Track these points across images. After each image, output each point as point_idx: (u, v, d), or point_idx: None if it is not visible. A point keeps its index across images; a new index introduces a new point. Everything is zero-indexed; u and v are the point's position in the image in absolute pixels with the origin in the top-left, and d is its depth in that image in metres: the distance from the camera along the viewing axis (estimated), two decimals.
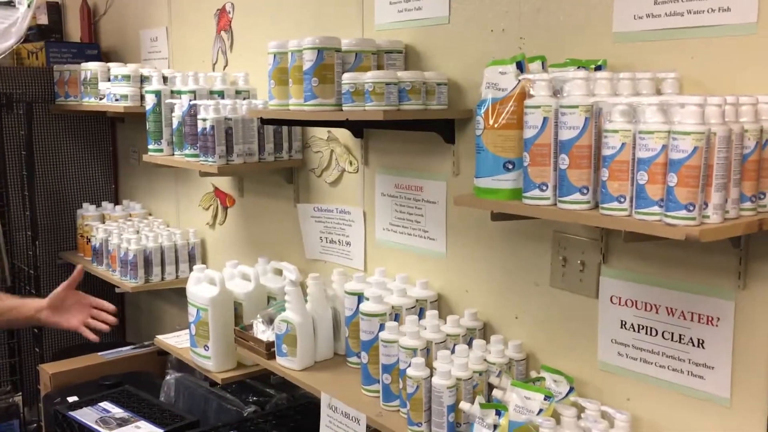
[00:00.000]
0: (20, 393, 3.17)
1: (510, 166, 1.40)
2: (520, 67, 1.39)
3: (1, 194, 3.16)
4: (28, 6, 2.89)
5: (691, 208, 1.11)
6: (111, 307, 2.11)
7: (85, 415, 2.34)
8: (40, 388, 2.91)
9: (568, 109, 1.26)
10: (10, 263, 3.13)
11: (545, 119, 1.29)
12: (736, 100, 1.17)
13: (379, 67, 1.90)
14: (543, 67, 1.46)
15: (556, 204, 1.31)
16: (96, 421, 2.29)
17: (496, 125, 1.39)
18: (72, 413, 2.35)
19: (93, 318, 2.09)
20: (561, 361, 1.69)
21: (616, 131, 1.19)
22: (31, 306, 1.95)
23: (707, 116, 1.11)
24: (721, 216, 1.15)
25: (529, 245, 1.74)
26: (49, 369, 2.82)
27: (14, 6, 2.87)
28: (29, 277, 3.23)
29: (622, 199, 1.20)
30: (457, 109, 1.84)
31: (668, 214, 1.13)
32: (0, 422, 3.03)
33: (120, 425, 2.27)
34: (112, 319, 2.10)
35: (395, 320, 1.85)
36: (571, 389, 1.62)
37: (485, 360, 1.71)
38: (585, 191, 1.26)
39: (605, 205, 1.22)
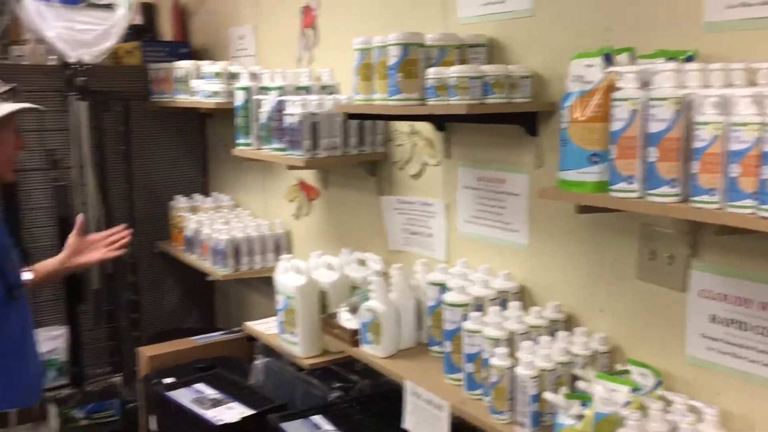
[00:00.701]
0: (120, 374, 3.37)
1: (596, 159, 1.40)
2: (608, 59, 1.39)
3: (104, 187, 3.35)
4: (128, 8, 3.05)
5: None
6: (120, 229, 2.20)
7: (182, 396, 2.48)
8: (138, 369, 3.09)
9: (658, 101, 1.26)
10: None
11: (633, 112, 1.29)
12: None
13: (463, 62, 1.92)
14: (631, 59, 1.45)
15: (643, 197, 1.31)
16: (191, 401, 2.43)
17: (581, 118, 1.40)
18: (169, 393, 2.50)
19: (111, 244, 2.18)
20: (647, 355, 1.68)
21: (707, 123, 1.18)
22: (52, 262, 2.11)
23: None
24: None
25: (615, 238, 1.73)
26: (147, 352, 2.99)
27: (113, 8, 3.04)
28: (128, 265, 3.42)
29: (713, 192, 1.19)
30: (540, 101, 1.85)
31: (762, 207, 1.12)
32: (102, 400, 3.24)
33: (214, 406, 2.40)
34: (125, 233, 2.18)
35: (478, 311, 1.88)
36: (658, 383, 1.61)
37: (569, 352, 1.72)
38: (674, 184, 1.25)
39: (696, 198, 1.21)
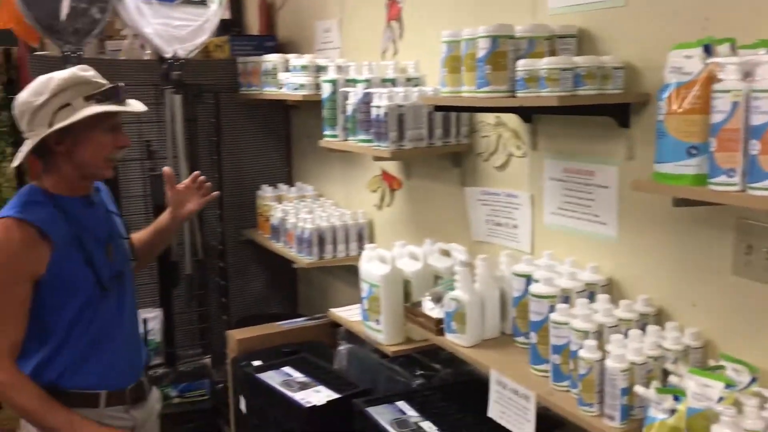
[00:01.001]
0: (209, 355, 3.52)
1: (694, 152, 1.38)
2: (708, 50, 1.36)
3: None
4: (220, 4, 3.17)
5: None
6: (196, 175, 2.24)
7: (270, 378, 2.57)
8: (227, 351, 3.22)
9: (761, 93, 1.23)
10: (202, 239, 3.46)
11: (735, 104, 1.27)
12: None
13: (552, 53, 1.92)
14: (732, 50, 1.42)
15: (744, 190, 1.28)
16: (280, 383, 2.52)
17: (679, 110, 1.38)
18: (259, 375, 2.60)
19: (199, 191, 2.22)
20: (742, 351, 1.64)
21: None
22: (163, 219, 2.20)
23: None
24: None
25: (709, 232, 1.70)
26: (236, 335, 3.11)
27: (206, 4, 3.16)
28: (217, 252, 3.57)
29: None
30: (633, 93, 1.82)
31: None
32: (193, 380, 3.39)
33: (302, 388, 2.48)
34: (202, 178, 2.22)
35: (565, 303, 1.88)
36: (753, 379, 1.58)
37: (660, 346, 1.70)
38: None
39: None
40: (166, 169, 2.20)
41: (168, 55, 3.12)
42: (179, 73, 3.17)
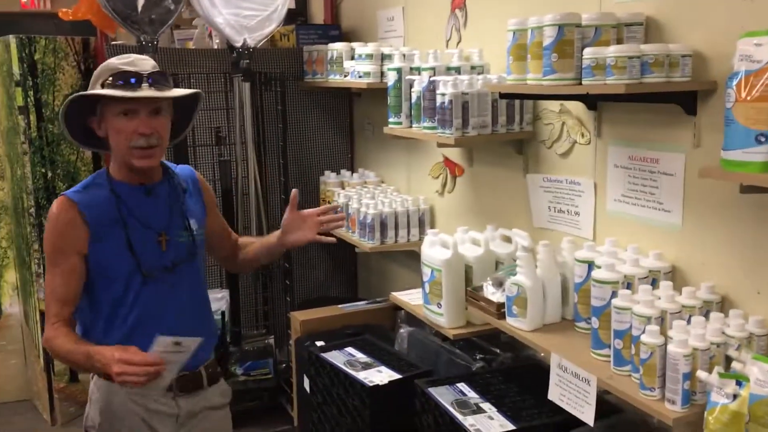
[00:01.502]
0: (273, 336, 3.65)
1: (762, 139, 1.39)
2: None
3: (261, 162, 3.62)
4: None
5: None
6: (333, 207, 2.14)
7: (334, 357, 2.66)
8: (290, 332, 3.34)
9: None
10: (268, 223, 3.58)
11: None
12: None
13: (619, 41, 1.93)
14: None
15: None
16: (344, 363, 2.61)
17: (748, 98, 1.39)
18: (323, 355, 2.69)
19: (324, 225, 2.10)
20: None
21: None
22: (273, 236, 2.16)
23: None
24: None
25: None
26: (299, 316, 3.22)
27: None
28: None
29: None
30: (700, 80, 1.82)
31: None
32: (258, 359, 3.52)
33: (365, 368, 2.56)
34: (340, 216, 2.08)
35: (627, 289, 1.90)
36: None
37: (723, 332, 1.71)
38: None
39: None
40: (294, 191, 2.09)
41: (238, 45, 3.23)
42: (248, 61, 3.28)
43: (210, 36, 3.86)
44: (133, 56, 1.83)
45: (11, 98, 3.61)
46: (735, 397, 1.52)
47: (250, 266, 2.33)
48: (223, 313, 3.33)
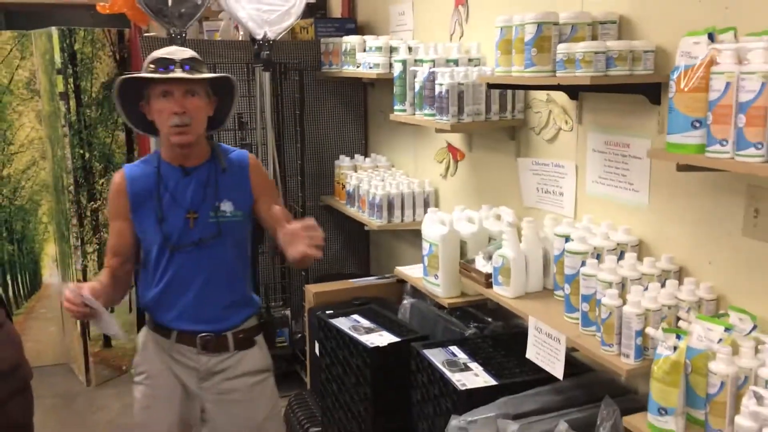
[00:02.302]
0: (289, 308, 3.93)
1: (697, 125, 1.61)
2: (711, 37, 1.59)
3: (279, 146, 3.89)
4: None
5: None
6: (311, 224, 1.99)
7: (341, 323, 2.93)
8: (305, 304, 3.61)
9: (748, 75, 1.46)
10: (285, 203, 3.85)
11: (728, 84, 1.50)
12: None
13: (594, 37, 2.15)
14: (734, 38, 1.64)
15: (733, 157, 1.51)
16: (349, 328, 2.87)
17: (686, 89, 1.61)
18: (331, 320, 2.96)
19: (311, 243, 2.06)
20: (749, 303, 1.86)
21: None
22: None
23: None
24: None
25: (724, 197, 1.92)
26: (312, 289, 3.49)
27: None
28: (298, 215, 3.95)
29: None
30: (662, 73, 2.04)
31: None
32: (275, 329, 3.80)
33: (367, 332, 2.83)
34: (318, 235, 1.97)
35: (596, 259, 2.13)
36: (754, 327, 1.80)
37: (676, 297, 1.94)
38: (759, 146, 1.45)
39: None
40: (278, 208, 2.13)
41: (259, 37, 3.49)
42: (268, 52, 3.54)
43: (236, 28, 4.13)
44: (174, 48, 2.11)
45: (53, 85, 3.92)
46: (675, 349, 1.75)
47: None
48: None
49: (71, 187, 3.95)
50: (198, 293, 2.15)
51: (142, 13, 3.59)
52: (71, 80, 3.88)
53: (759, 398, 1.57)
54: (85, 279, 4.06)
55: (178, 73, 2.01)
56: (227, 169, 2.15)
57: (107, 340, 4.18)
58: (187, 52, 2.09)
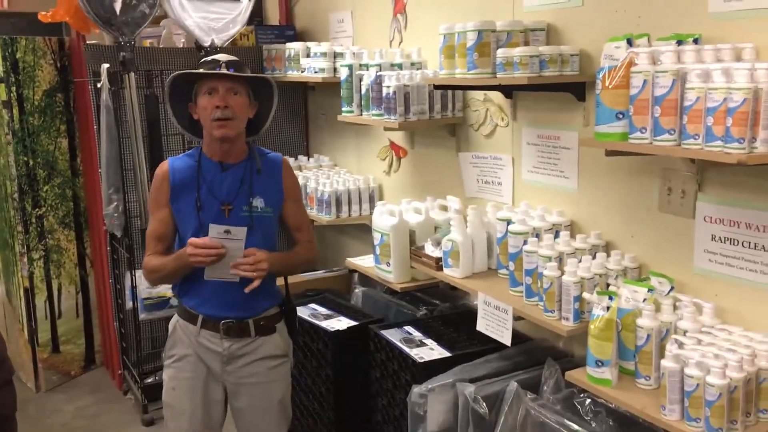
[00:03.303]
0: None
1: (620, 116, 1.91)
2: (629, 42, 1.89)
3: None
4: (249, 0, 3.68)
5: (742, 141, 1.59)
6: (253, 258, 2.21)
7: (300, 312, 3.11)
8: None
9: (661, 73, 1.76)
10: None
11: (645, 81, 1.80)
12: None
13: (526, 43, 2.44)
14: (648, 42, 1.95)
15: (651, 143, 1.82)
16: (308, 315, 3.07)
17: (610, 86, 1.91)
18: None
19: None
20: (666, 268, 2.18)
21: (693, 88, 1.68)
22: None
23: (756, 77, 1.58)
24: (767, 148, 1.62)
25: (643, 179, 2.24)
26: None
27: (239, 0, 3.67)
28: None
29: (697, 137, 1.69)
30: (587, 74, 2.35)
31: (727, 146, 1.62)
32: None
33: (326, 318, 3.03)
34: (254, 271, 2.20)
35: (535, 238, 2.41)
36: (671, 288, 2.12)
37: (605, 266, 2.24)
38: (672, 132, 1.76)
39: (685, 142, 1.72)
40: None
41: (206, 44, 3.63)
42: None
43: (176, 36, 4.24)
44: (221, 54, 2.30)
45: None
46: (608, 308, 2.05)
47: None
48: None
49: (15, 195, 3.96)
50: (227, 282, 2.22)
51: (85, 21, 3.67)
52: (14, 89, 3.90)
53: (680, 344, 1.88)
54: (32, 285, 4.07)
55: (224, 70, 2.20)
56: (262, 170, 2.32)
57: (55, 346, 4.20)
58: (232, 57, 2.28)
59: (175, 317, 2.41)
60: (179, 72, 2.28)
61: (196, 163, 2.29)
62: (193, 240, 2.16)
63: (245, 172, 2.30)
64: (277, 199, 2.36)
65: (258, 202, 2.30)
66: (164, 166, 2.32)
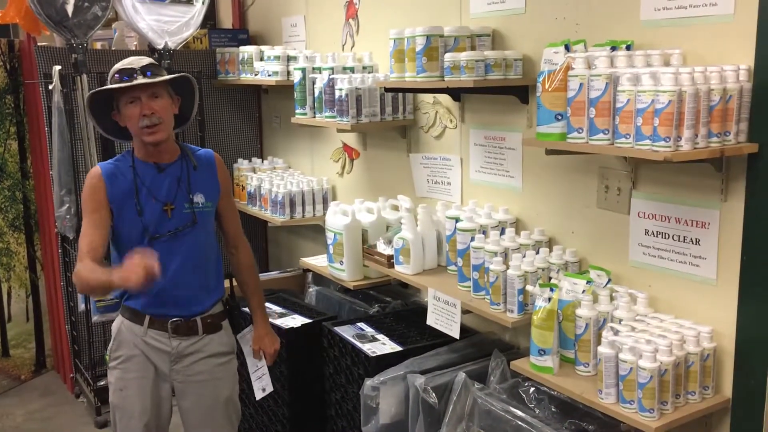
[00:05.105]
0: None
1: (559, 117, 2.02)
2: (567, 48, 2.00)
3: None
4: (203, 3, 3.71)
5: (668, 140, 1.71)
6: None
7: None
8: None
9: (596, 77, 1.87)
10: None
11: (581, 84, 1.91)
12: (705, 69, 1.76)
13: (472, 48, 2.55)
14: (584, 48, 2.07)
15: (587, 142, 1.93)
16: None
17: (549, 89, 2.02)
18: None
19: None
20: (604, 262, 2.31)
21: (624, 91, 1.80)
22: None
23: (680, 80, 1.71)
24: (691, 146, 1.74)
25: (582, 178, 2.36)
26: None
27: (192, 3, 3.70)
28: None
29: (628, 136, 1.81)
30: (530, 78, 2.46)
31: (654, 144, 1.74)
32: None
33: (281, 317, 3.08)
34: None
35: (482, 235, 2.52)
36: (609, 280, 2.25)
37: (548, 261, 2.36)
38: (606, 132, 1.87)
39: (618, 141, 1.84)
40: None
41: (159, 47, 3.65)
42: (169, 62, 3.71)
43: (129, 38, 4.24)
44: (132, 58, 2.28)
45: None
46: (549, 300, 2.16)
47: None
48: None
49: None
50: (171, 278, 2.28)
51: (36, 23, 3.65)
52: None
53: (615, 332, 2.00)
54: None
55: (141, 80, 2.20)
56: (198, 167, 2.36)
57: (5, 350, 4.14)
58: (145, 60, 2.26)
59: (119, 318, 2.40)
60: (97, 89, 2.28)
61: (131, 167, 2.28)
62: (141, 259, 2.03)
63: (182, 170, 2.33)
64: (214, 194, 2.40)
65: (199, 198, 2.34)
66: (96, 173, 2.27)
